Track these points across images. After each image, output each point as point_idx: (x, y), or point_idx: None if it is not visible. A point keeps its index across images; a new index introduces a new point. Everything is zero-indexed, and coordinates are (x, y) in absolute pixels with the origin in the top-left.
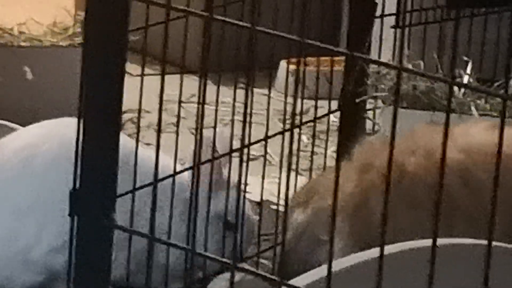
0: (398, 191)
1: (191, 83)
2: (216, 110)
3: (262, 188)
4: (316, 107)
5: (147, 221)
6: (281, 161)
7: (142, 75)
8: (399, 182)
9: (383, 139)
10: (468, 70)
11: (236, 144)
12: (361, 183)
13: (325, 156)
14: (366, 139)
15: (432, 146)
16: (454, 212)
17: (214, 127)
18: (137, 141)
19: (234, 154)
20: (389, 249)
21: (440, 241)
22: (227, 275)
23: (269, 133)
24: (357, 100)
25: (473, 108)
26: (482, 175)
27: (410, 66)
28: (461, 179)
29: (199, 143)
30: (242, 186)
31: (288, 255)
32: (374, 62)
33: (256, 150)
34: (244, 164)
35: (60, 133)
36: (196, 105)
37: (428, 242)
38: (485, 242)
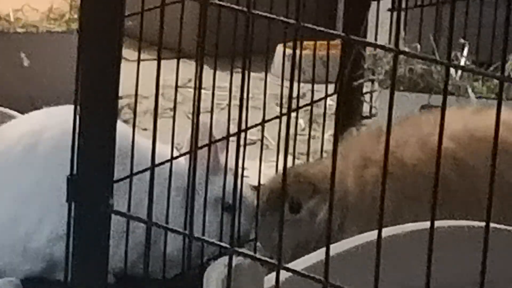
0: (401, 187)
1: (188, 68)
2: (213, 95)
3: (260, 172)
4: (313, 91)
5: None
6: (278, 145)
7: (139, 60)
8: (401, 178)
9: (377, 128)
10: (465, 53)
11: (233, 129)
12: (365, 180)
13: (322, 140)
14: (362, 124)
15: (425, 136)
16: (451, 202)
17: (211, 112)
18: (134, 126)
19: (231, 138)
20: (387, 231)
21: (438, 223)
22: (225, 259)
23: (266, 117)
24: (354, 84)
25: (470, 90)
26: (473, 161)
27: (406, 49)
28: (454, 168)
29: (196, 128)
30: (240, 170)
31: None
32: (371, 45)
33: (253, 134)
34: (242, 148)
35: (62, 120)
36: (192, 90)
37: (426, 224)
38: (482, 224)
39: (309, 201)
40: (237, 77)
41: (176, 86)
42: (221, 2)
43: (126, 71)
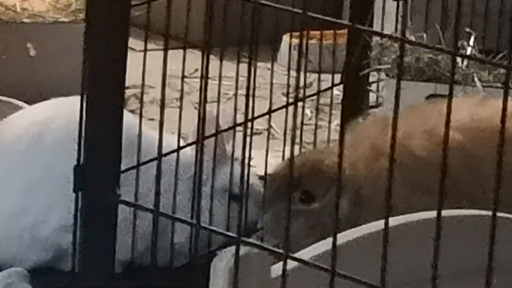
0: (413, 179)
1: (194, 57)
2: (220, 85)
3: (266, 162)
4: (319, 81)
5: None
6: (284, 135)
7: (145, 50)
8: (411, 167)
9: (384, 117)
10: (471, 42)
11: (240, 118)
12: (377, 173)
13: (329, 130)
14: (369, 114)
15: (432, 126)
16: (458, 193)
17: (218, 102)
18: (141, 116)
19: (238, 128)
20: (395, 220)
21: (446, 212)
22: (232, 249)
23: (273, 107)
24: (360, 73)
25: (476, 79)
26: (479, 151)
27: (413, 38)
28: (461, 159)
29: (202, 118)
30: (246, 160)
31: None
32: (378, 34)
33: (259, 124)
34: (248, 138)
35: (70, 110)
36: (199, 80)
37: (434, 213)
38: (489, 213)
39: (326, 194)
40: (244, 67)
41: (183, 76)
42: None
43: (133, 61)
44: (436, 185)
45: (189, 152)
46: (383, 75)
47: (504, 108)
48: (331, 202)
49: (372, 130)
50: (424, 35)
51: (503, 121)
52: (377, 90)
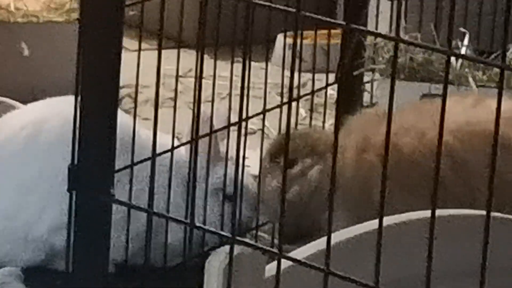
0: (395, 175)
1: (188, 57)
2: (214, 84)
3: (261, 161)
4: (313, 80)
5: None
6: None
7: (139, 50)
8: (396, 166)
9: (379, 111)
10: (466, 42)
11: (234, 118)
12: (360, 165)
13: (323, 129)
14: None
15: (424, 126)
16: (445, 196)
17: (212, 102)
18: (135, 116)
19: (232, 128)
20: (388, 220)
21: (439, 212)
22: (226, 248)
23: (267, 107)
24: (354, 73)
25: (470, 79)
26: (469, 156)
27: (407, 38)
28: (450, 163)
29: (196, 118)
30: (241, 160)
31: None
32: (372, 34)
33: (254, 123)
34: (242, 138)
35: (64, 110)
36: (193, 80)
37: (427, 213)
38: (482, 212)
39: (304, 159)
40: (238, 67)
41: (177, 76)
42: None
43: (127, 61)
44: (420, 184)
45: (183, 152)
46: (377, 75)
47: (499, 107)
48: (307, 167)
49: (367, 122)
50: (418, 35)
51: (497, 121)
52: (371, 90)
